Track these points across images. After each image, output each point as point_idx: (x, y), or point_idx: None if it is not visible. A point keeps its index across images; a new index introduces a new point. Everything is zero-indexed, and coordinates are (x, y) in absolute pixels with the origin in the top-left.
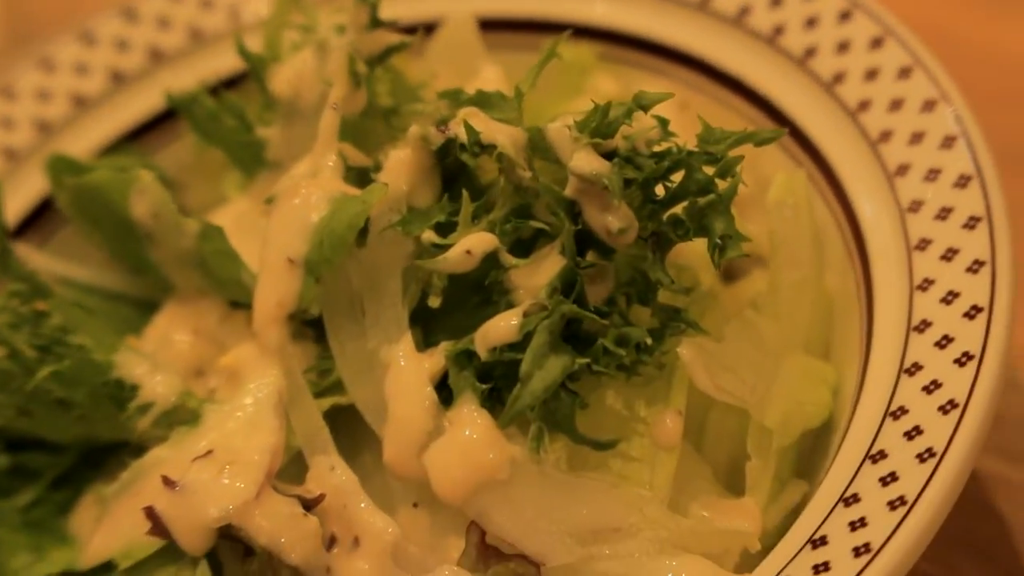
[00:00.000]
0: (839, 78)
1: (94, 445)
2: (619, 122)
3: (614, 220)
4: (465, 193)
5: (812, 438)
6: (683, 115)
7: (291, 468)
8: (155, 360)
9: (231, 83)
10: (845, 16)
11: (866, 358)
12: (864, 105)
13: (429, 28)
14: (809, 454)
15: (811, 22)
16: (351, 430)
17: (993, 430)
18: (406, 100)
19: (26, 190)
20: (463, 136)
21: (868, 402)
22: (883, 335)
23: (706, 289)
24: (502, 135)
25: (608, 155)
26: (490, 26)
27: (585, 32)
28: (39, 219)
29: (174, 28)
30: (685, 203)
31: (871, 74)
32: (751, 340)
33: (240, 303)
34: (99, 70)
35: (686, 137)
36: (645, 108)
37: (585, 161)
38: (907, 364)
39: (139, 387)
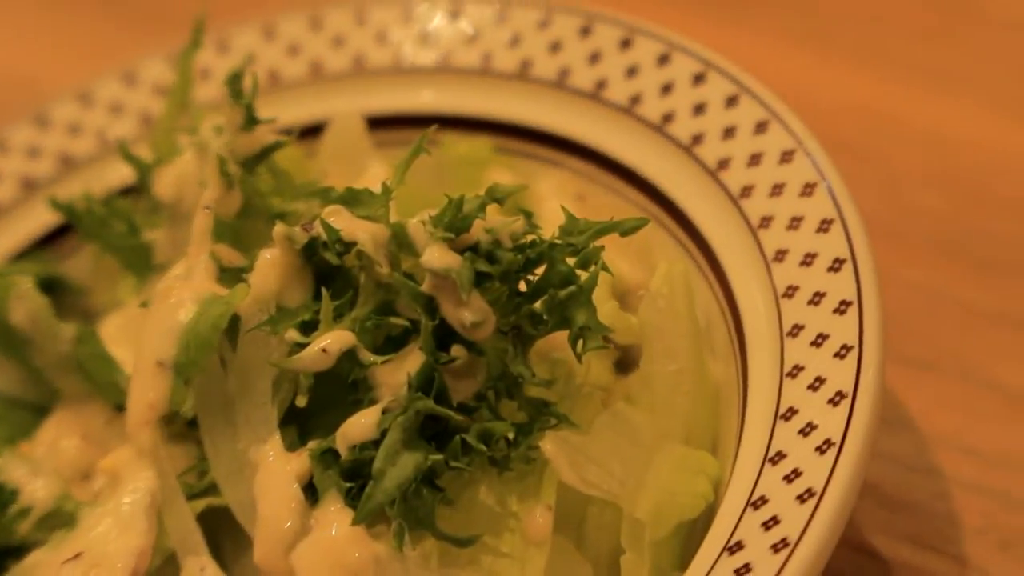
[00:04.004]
0: (724, 164)
1: None
2: (473, 215)
3: (468, 314)
4: (324, 292)
5: (698, 530)
6: (582, 206)
7: (166, 570)
8: (36, 464)
9: (128, 191)
10: (731, 102)
11: (737, 447)
12: (747, 191)
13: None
14: (696, 547)
15: (698, 108)
16: (233, 532)
17: (907, 519)
18: (293, 200)
19: None
20: (324, 235)
21: (733, 492)
22: (753, 423)
23: (579, 381)
24: (363, 232)
25: (470, 249)
26: (378, 124)
27: (480, 125)
28: None
29: (85, 135)
30: (546, 296)
31: (755, 159)
32: (621, 432)
33: (124, 407)
34: (10, 177)
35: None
36: (500, 201)
37: (435, 256)
38: (771, 453)
39: (19, 491)
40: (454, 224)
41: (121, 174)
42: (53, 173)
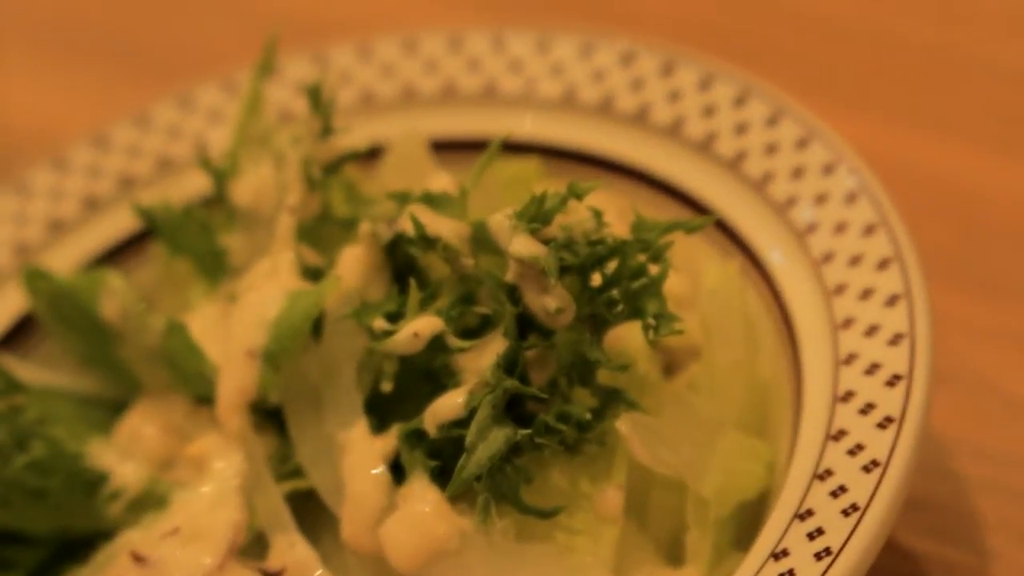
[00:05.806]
0: (768, 178)
1: (70, 537)
2: (555, 210)
3: (552, 301)
4: (412, 281)
5: (751, 513)
6: (624, 223)
7: (255, 548)
8: (125, 450)
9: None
10: (772, 121)
11: (796, 429)
12: (791, 201)
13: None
14: (749, 529)
15: (740, 128)
16: (312, 515)
17: (930, 515)
18: (365, 206)
19: (7, 308)
20: (410, 230)
21: (797, 467)
22: (811, 407)
23: (643, 374)
24: (446, 228)
25: (546, 243)
26: (436, 147)
27: (526, 148)
28: (19, 335)
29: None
30: (619, 287)
31: (797, 173)
32: (687, 416)
33: (205, 398)
34: (73, 195)
35: None
36: (579, 197)
37: (523, 245)
38: (833, 431)
39: (110, 475)
40: (538, 217)
41: (184, 191)
42: (115, 191)
